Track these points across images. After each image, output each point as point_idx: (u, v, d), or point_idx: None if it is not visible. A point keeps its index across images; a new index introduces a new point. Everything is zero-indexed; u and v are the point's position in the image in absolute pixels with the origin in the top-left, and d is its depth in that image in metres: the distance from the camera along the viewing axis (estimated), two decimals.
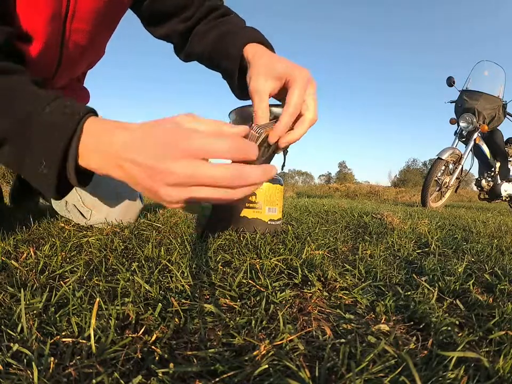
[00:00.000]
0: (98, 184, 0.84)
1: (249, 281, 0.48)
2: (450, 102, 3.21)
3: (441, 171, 2.93)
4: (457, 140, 3.07)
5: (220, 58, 0.63)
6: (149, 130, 0.35)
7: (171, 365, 0.28)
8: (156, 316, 0.37)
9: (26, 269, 0.50)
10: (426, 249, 0.79)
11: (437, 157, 2.85)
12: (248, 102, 0.56)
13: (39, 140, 0.38)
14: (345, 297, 0.46)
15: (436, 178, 2.91)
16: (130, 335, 0.33)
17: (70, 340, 0.32)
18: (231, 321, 0.37)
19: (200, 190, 0.34)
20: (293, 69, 0.49)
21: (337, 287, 0.49)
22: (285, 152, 0.60)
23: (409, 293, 0.48)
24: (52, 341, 0.31)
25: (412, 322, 0.40)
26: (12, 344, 0.30)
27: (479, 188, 3.44)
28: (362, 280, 0.54)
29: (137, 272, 0.50)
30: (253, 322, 0.36)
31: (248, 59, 0.55)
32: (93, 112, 0.39)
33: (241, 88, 0.63)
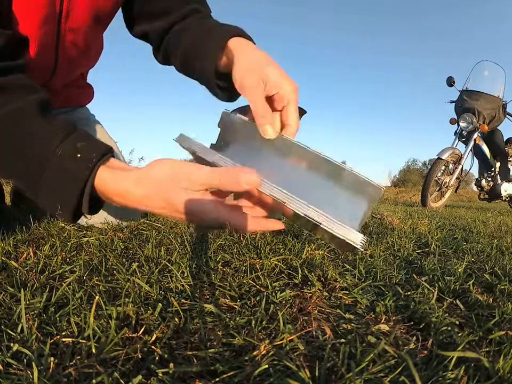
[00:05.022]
0: None
1: (249, 281, 0.48)
2: (450, 102, 3.21)
3: (441, 171, 2.93)
4: (457, 140, 3.07)
5: (196, 55, 0.60)
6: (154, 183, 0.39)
7: (171, 365, 0.28)
8: (156, 315, 0.37)
9: (26, 269, 0.50)
10: (426, 249, 0.79)
11: (437, 157, 2.85)
12: (247, 102, 0.55)
13: (52, 189, 0.40)
14: (345, 297, 0.46)
15: (436, 178, 2.91)
16: (130, 335, 0.33)
17: (70, 339, 0.32)
18: (231, 321, 0.37)
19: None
20: (285, 81, 0.47)
21: (337, 287, 0.49)
22: None
23: (409, 293, 0.48)
24: (52, 341, 0.31)
25: (412, 322, 0.40)
26: (12, 344, 0.30)
27: (479, 188, 3.44)
28: (362, 280, 0.54)
29: (137, 272, 0.50)
30: (253, 322, 0.36)
31: (233, 51, 0.53)
32: (106, 155, 0.41)
33: (223, 88, 0.60)
